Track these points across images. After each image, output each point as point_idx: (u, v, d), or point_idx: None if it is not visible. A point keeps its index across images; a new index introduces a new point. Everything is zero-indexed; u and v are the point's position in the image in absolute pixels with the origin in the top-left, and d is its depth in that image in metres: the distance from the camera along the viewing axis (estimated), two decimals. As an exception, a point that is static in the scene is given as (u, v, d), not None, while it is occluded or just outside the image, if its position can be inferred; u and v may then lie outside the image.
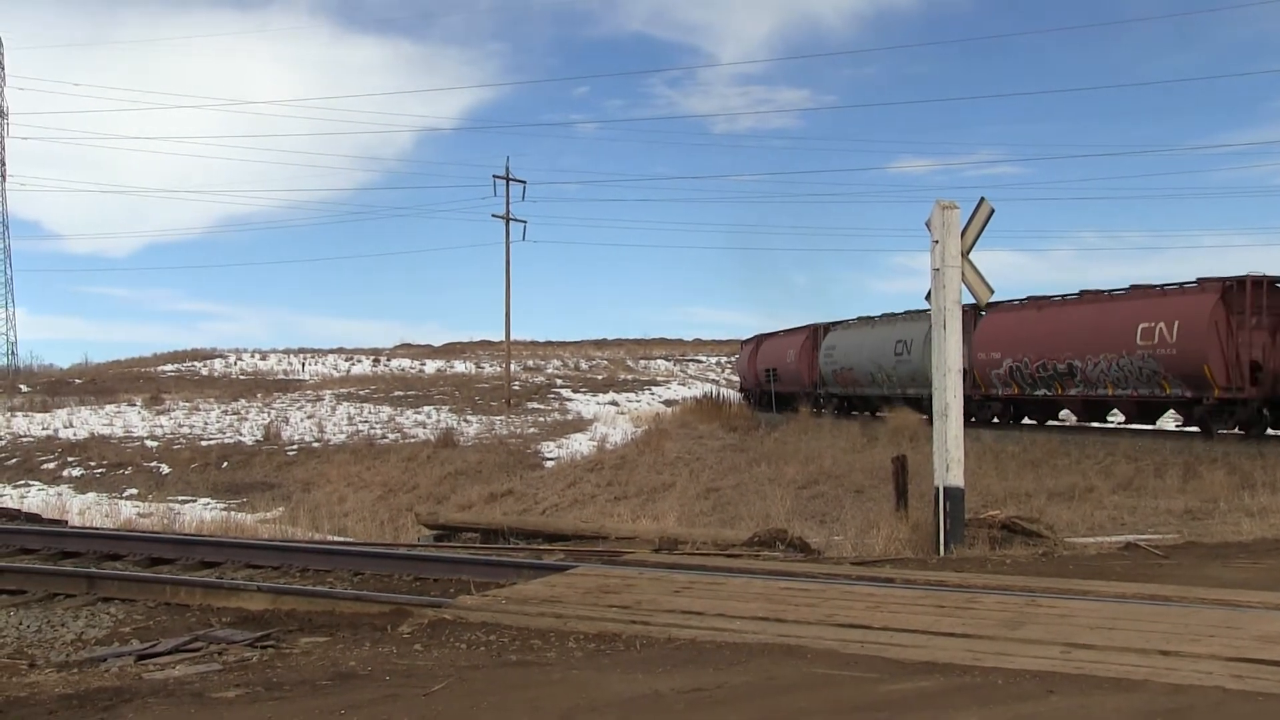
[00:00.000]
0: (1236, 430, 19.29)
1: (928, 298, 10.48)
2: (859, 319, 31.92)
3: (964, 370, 28.49)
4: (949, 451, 9.84)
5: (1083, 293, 22.44)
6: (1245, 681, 4.84)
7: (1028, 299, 24.41)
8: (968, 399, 26.95)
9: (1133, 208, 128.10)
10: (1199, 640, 5.65)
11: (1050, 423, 24.37)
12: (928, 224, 10.16)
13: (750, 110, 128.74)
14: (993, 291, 10.57)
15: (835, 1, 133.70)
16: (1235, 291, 18.95)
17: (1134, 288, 21.39)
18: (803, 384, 34.13)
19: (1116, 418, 23.57)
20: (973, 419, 23.22)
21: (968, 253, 10.18)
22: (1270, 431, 19.21)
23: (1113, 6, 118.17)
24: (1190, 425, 20.92)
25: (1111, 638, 5.73)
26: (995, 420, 24.85)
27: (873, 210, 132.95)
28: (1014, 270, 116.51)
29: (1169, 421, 22.77)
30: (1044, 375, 22.69)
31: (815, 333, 33.99)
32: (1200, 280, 19.69)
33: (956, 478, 9.82)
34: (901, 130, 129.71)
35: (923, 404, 26.12)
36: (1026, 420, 24.57)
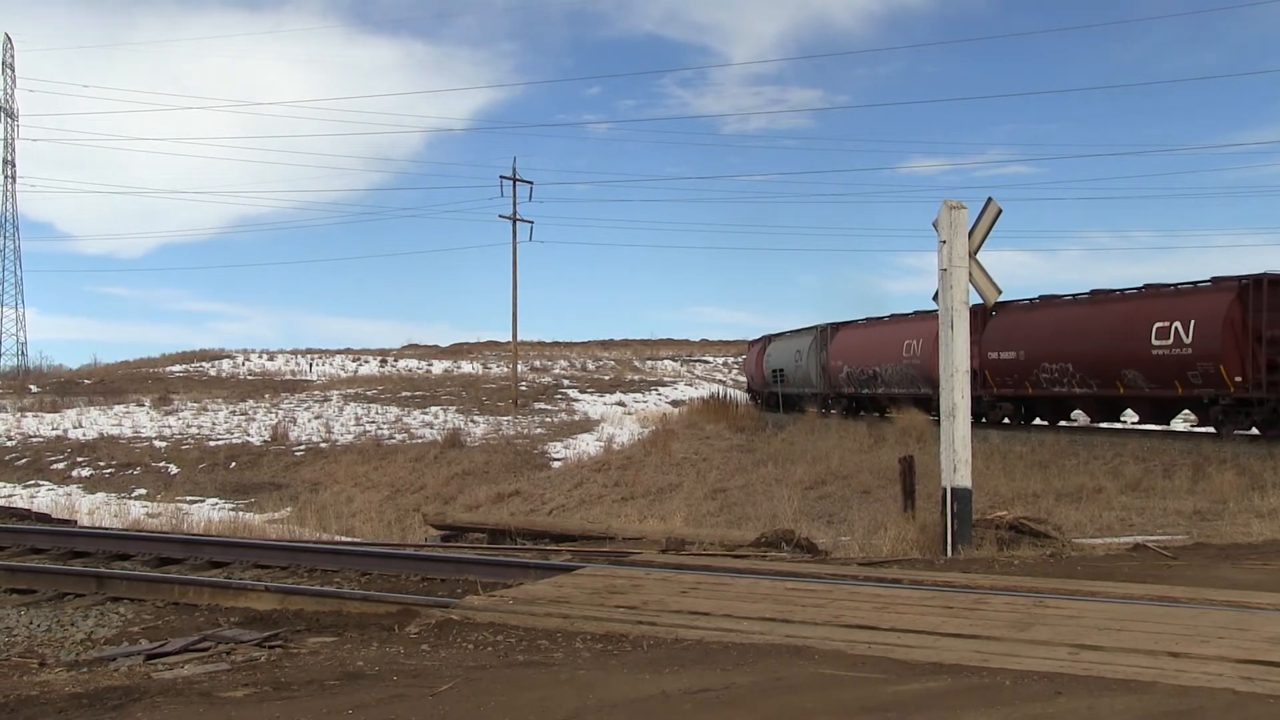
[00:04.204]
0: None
1: (935, 298, 10.46)
2: (791, 331, 36.57)
3: (824, 372, 32.31)
4: (956, 452, 9.82)
5: (892, 315, 29.64)
6: (1255, 684, 4.82)
7: (866, 319, 31.13)
8: (824, 395, 32.71)
9: (1143, 207, 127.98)
10: (1208, 642, 5.64)
11: (1062, 423, 24.71)
12: (935, 224, 10.14)
13: (762, 110, 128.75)
14: (1000, 292, 10.53)
15: (848, 1, 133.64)
16: None
17: (915, 313, 28.06)
18: (759, 384, 39.00)
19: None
20: (833, 410, 32.17)
21: (975, 253, 10.16)
22: (984, 421, 24.47)
23: (1125, 5, 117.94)
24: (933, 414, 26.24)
25: (1120, 639, 5.72)
26: (844, 412, 31.54)
27: (884, 210, 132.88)
28: (1023, 270, 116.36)
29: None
30: (864, 378, 29.95)
31: (765, 341, 39.32)
32: None
33: (964, 478, 9.81)
34: (913, 130, 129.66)
35: (814, 400, 33.39)
36: (862, 412, 31.16)
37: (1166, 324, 19.68)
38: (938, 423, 27.02)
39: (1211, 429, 19.77)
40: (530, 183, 44.80)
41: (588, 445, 32.16)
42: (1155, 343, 19.85)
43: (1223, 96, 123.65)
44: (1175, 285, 20.42)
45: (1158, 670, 5.08)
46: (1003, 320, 24.24)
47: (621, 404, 45.40)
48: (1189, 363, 19.26)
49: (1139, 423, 22.53)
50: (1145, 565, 8.65)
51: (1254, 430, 18.96)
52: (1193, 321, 19.19)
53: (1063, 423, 24.30)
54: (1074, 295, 22.96)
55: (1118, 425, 23.54)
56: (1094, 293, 22.35)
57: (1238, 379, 18.48)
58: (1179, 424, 22.72)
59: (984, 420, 24.25)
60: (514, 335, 46.55)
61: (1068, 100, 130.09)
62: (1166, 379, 19.88)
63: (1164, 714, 4.40)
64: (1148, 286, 20.96)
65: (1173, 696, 4.64)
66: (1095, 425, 23.55)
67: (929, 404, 26.36)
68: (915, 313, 28.09)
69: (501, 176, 44.36)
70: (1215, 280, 19.36)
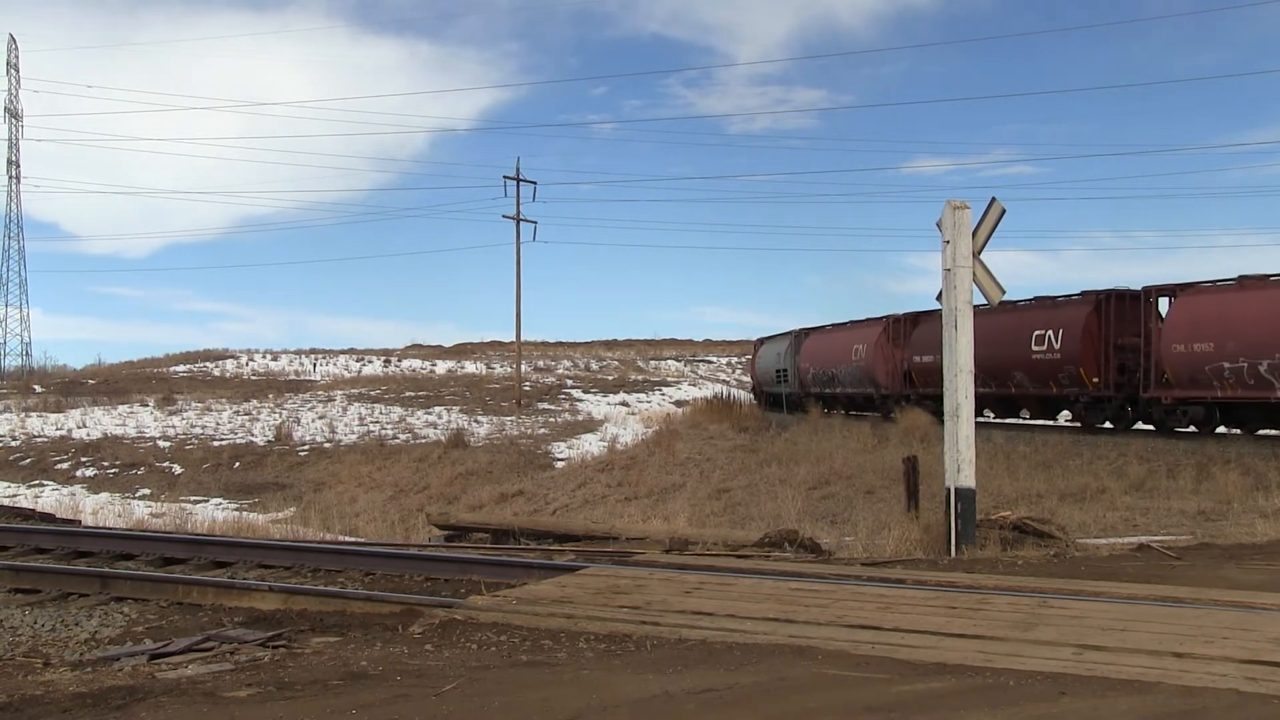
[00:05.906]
0: (893, 415, 28.22)
1: (939, 298, 10.45)
2: (779, 334, 39.17)
3: (797, 373, 35.09)
4: (960, 452, 9.81)
5: (850, 321, 32.75)
6: (1259, 684, 4.82)
7: (831, 324, 34.37)
8: (797, 394, 35.07)
9: (1147, 207, 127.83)
10: (1212, 642, 5.63)
11: (1051, 422, 25.21)
12: (939, 224, 10.14)
13: (767, 110, 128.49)
14: (1004, 291, 10.52)
15: (853, 1, 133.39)
16: (891, 325, 29.15)
17: (866, 319, 31.39)
18: (758, 384, 41.44)
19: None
20: (808, 410, 34.03)
21: (979, 253, 10.15)
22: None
23: (1128, 6, 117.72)
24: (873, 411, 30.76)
25: (1124, 639, 5.71)
26: (823, 411, 33.76)
27: (888, 210, 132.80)
28: (1027, 270, 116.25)
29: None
30: (825, 378, 33.54)
31: (758, 344, 42.08)
32: (884, 317, 29.82)
33: (968, 478, 9.80)
34: (917, 130, 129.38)
35: (792, 398, 35.97)
36: (826, 409, 33.92)
37: (1043, 331, 22.48)
38: (884, 416, 28.33)
39: (1109, 424, 22.01)
40: (534, 183, 44.93)
41: (591, 445, 32.17)
42: (1035, 348, 22.60)
43: (1226, 97, 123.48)
44: (1055, 298, 22.99)
45: (1162, 670, 5.08)
46: (924, 328, 27.18)
47: (625, 404, 45.41)
48: (1059, 366, 21.95)
49: (1030, 418, 25.22)
50: (1149, 565, 8.64)
51: (1108, 424, 21.67)
52: (1061, 330, 21.96)
53: (978, 420, 26.86)
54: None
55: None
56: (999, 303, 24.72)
57: (1095, 380, 21.19)
58: (1062, 419, 24.71)
59: (890, 414, 28.38)
60: (518, 335, 46.60)
61: (1071, 100, 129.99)
62: (1044, 380, 22.65)
63: (1168, 714, 4.39)
64: (1036, 299, 23.72)
65: (1177, 697, 4.64)
66: (998, 420, 25.74)
67: (872, 401, 30.37)
68: (867, 319, 31.34)
69: (505, 177, 44.45)
70: (1083, 294, 21.83)
